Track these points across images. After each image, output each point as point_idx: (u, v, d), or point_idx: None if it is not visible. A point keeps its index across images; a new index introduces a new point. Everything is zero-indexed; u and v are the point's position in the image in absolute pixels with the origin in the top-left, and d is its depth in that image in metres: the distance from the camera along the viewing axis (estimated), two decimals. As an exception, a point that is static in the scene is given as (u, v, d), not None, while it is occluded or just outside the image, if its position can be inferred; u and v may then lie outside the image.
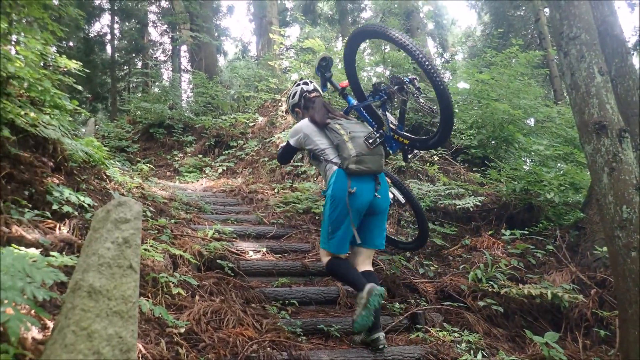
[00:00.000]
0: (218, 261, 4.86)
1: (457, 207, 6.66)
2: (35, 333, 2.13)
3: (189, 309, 3.59)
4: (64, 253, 3.06)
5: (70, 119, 5.15)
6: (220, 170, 10.78)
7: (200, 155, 11.85)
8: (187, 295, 3.85)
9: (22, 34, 5.36)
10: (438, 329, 4.16)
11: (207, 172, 10.91)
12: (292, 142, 4.35)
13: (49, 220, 3.48)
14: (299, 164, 9.23)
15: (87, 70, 6.24)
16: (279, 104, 12.43)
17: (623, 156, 3.55)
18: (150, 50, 25.23)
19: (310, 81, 4.62)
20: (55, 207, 3.62)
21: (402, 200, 4.86)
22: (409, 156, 4.45)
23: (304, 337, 3.84)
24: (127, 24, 24.76)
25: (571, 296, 4.52)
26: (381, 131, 3.98)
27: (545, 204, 6.51)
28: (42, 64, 5.21)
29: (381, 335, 3.71)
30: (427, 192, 7.10)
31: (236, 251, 5.43)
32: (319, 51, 12.72)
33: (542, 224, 6.11)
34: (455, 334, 4.06)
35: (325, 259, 4.05)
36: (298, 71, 12.93)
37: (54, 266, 2.43)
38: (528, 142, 8.69)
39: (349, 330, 4.06)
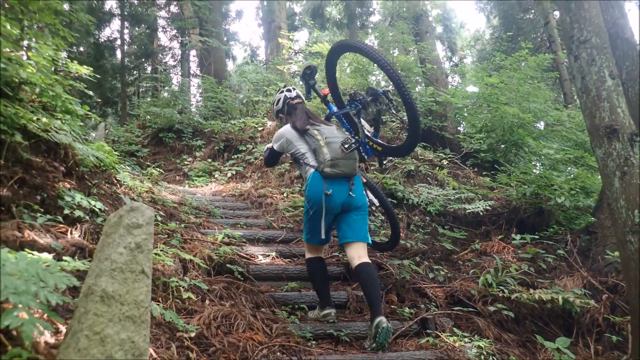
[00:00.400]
0: (228, 265, 4.87)
1: (467, 211, 6.65)
2: (48, 337, 2.14)
3: (199, 313, 3.60)
4: (75, 257, 3.07)
5: (81, 123, 5.18)
6: (229, 175, 10.80)
7: (210, 160, 11.88)
8: (197, 300, 3.85)
9: (34, 39, 5.41)
10: (448, 334, 4.14)
11: (216, 176, 10.93)
12: (275, 146, 4.69)
13: (61, 225, 3.50)
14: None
15: (98, 76, 6.28)
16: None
17: (635, 160, 3.53)
18: (160, 55, 25.33)
19: (293, 88, 4.91)
20: (66, 211, 3.64)
21: (376, 202, 5.18)
22: (384, 162, 4.68)
23: (314, 342, 3.84)
24: (136, 29, 24.87)
25: (582, 301, 4.48)
26: (357, 137, 4.35)
27: (556, 208, 6.49)
28: (53, 69, 5.25)
29: (382, 318, 3.84)
30: (436, 197, 7.09)
31: (246, 255, 5.44)
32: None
33: (553, 228, 6.08)
34: (466, 339, 4.04)
35: (307, 254, 4.53)
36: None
37: (67, 271, 2.45)
38: (538, 146, 8.67)
39: (359, 335, 4.07)
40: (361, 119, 4.43)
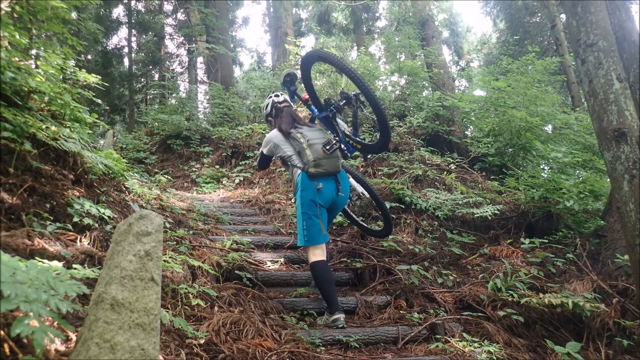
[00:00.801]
0: (236, 272, 4.88)
1: (475, 215, 6.63)
2: (58, 345, 2.15)
3: (208, 320, 3.60)
4: (85, 265, 3.09)
5: (90, 131, 5.21)
6: (237, 181, 10.83)
7: (217, 166, 11.91)
8: (206, 306, 3.86)
9: (43, 48, 5.45)
10: (458, 339, 4.12)
11: (224, 182, 10.96)
12: (264, 151, 4.96)
13: (70, 233, 3.52)
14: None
15: (106, 84, 6.32)
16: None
17: (644, 163, 3.51)
18: (167, 62, 25.45)
19: (280, 93, 5.23)
20: (76, 219, 3.66)
21: (366, 194, 5.56)
22: (368, 157, 5.47)
23: (323, 348, 3.83)
24: (144, 36, 25.02)
25: (593, 305, 4.45)
26: (337, 137, 4.69)
27: (565, 211, 6.46)
28: (62, 77, 5.29)
29: (342, 316, 4.27)
30: (444, 201, 7.08)
31: (254, 262, 5.45)
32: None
33: (562, 232, 6.05)
34: (475, 344, 4.02)
35: (310, 257, 4.55)
36: (314, 81, 12.97)
37: (77, 278, 2.46)
38: (546, 150, 8.64)
39: (369, 340, 4.07)
40: (339, 120, 4.85)
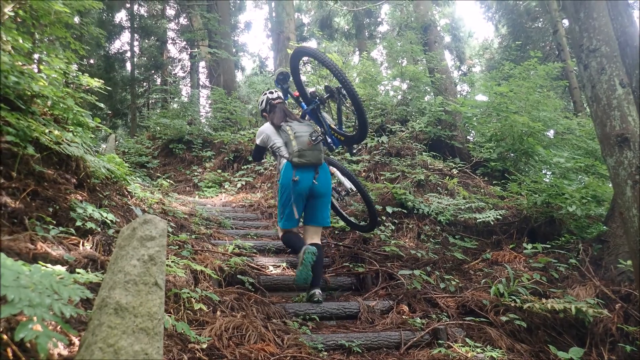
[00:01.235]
0: (239, 276, 4.88)
1: (478, 220, 6.62)
2: (62, 349, 2.15)
3: (210, 325, 3.60)
4: (88, 269, 3.09)
5: (92, 135, 5.22)
6: (239, 185, 10.83)
7: (219, 170, 11.92)
8: (208, 311, 3.86)
9: (45, 52, 5.46)
10: (460, 344, 4.11)
11: (226, 187, 10.96)
12: (258, 142, 5.43)
13: (73, 237, 3.52)
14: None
15: (108, 88, 6.34)
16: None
17: (647, 169, 3.51)
18: (169, 66, 25.50)
19: (274, 90, 5.66)
20: (78, 223, 3.66)
21: (353, 188, 5.74)
22: (354, 151, 6.33)
23: (326, 353, 3.82)
24: (146, 41, 25.07)
25: (595, 311, 4.44)
26: (323, 130, 5.12)
27: (567, 217, 6.45)
28: (64, 82, 5.29)
29: (317, 291, 4.74)
30: (447, 206, 7.07)
31: (256, 266, 5.44)
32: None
33: (565, 237, 6.04)
34: (478, 350, 4.01)
35: (280, 233, 5.21)
36: (316, 85, 13.00)
37: (80, 283, 2.46)
38: (548, 155, 8.63)
39: (371, 345, 4.06)
40: (325, 115, 5.27)
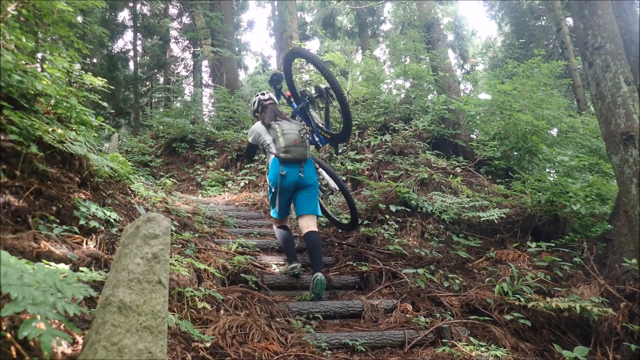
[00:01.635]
0: (242, 275, 4.87)
1: (482, 219, 6.61)
2: (65, 348, 2.14)
3: (214, 323, 3.59)
4: (91, 268, 3.09)
5: (95, 134, 5.22)
6: (242, 184, 10.82)
7: (222, 169, 11.91)
8: (212, 309, 3.85)
9: (49, 51, 5.46)
10: (464, 343, 4.10)
11: (229, 185, 10.95)
12: (250, 140, 5.75)
13: (76, 235, 3.52)
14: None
15: (111, 87, 6.34)
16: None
17: (652, 167, 3.49)
18: (172, 65, 25.50)
19: (266, 92, 5.96)
20: (82, 222, 3.66)
21: (336, 187, 6.05)
22: (340, 151, 6.48)
23: (329, 352, 3.81)
24: (149, 40, 25.05)
25: (600, 309, 4.42)
26: (310, 128, 5.47)
27: (572, 215, 6.42)
28: (68, 81, 5.30)
29: (319, 274, 4.94)
30: (450, 205, 7.05)
31: (260, 265, 5.44)
32: (339, 64, 12.79)
33: (569, 235, 6.02)
34: (482, 349, 4.00)
35: (275, 224, 5.66)
36: (319, 84, 12.98)
37: (83, 281, 2.46)
38: (552, 153, 8.60)
39: (375, 344, 4.05)
40: (313, 114, 5.62)
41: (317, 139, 5.53)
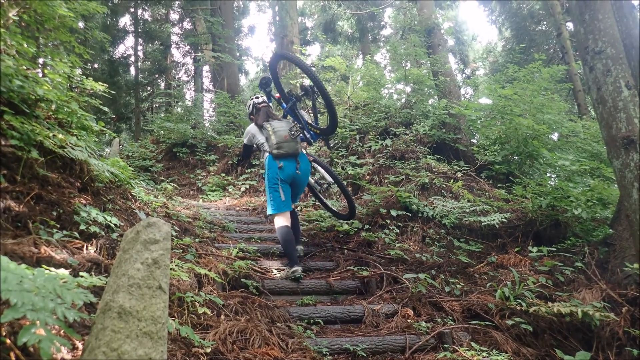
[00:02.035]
0: (243, 280, 4.87)
1: (483, 224, 6.59)
2: (65, 354, 2.13)
3: (214, 329, 3.58)
4: (92, 273, 3.08)
5: (96, 139, 5.22)
6: (243, 189, 10.83)
7: (223, 174, 11.92)
8: (212, 315, 3.84)
9: (50, 57, 5.47)
10: (466, 348, 4.08)
11: (230, 190, 10.95)
12: (245, 141, 6.20)
13: (77, 241, 3.51)
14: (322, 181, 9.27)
15: (112, 92, 6.36)
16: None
17: (654, 171, 3.48)
18: (173, 70, 25.56)
19: (260, 95, 6.36)
20: (82, 227, 3.66)
21: (331, 180, 6.47)
22: (331, 146, 7.25)
23: (330, 357, 3.80)
24: (150, 45, 25.12)
25: (602, 314, 4.40)
26: (300, 125, 5.82)
27: (573, 220, 6.41)
28: (69, 86, 5.30)
29: (299, 247, 5.91)
30: (451, 209, 7.04)
31: (260, 270, 5.43)
32: (339, 69, 12.79)
33: (570, 240, 6.00)
34: (484, 354, 3.98)
35: (276, 223, 5.67)
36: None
37: (83, 287, 2.45)
38: (553, 157, 8.59)
39: (376, 349, 4.04)
40: (302, 112, 6.03)
41: (308, 135, 5.93)
